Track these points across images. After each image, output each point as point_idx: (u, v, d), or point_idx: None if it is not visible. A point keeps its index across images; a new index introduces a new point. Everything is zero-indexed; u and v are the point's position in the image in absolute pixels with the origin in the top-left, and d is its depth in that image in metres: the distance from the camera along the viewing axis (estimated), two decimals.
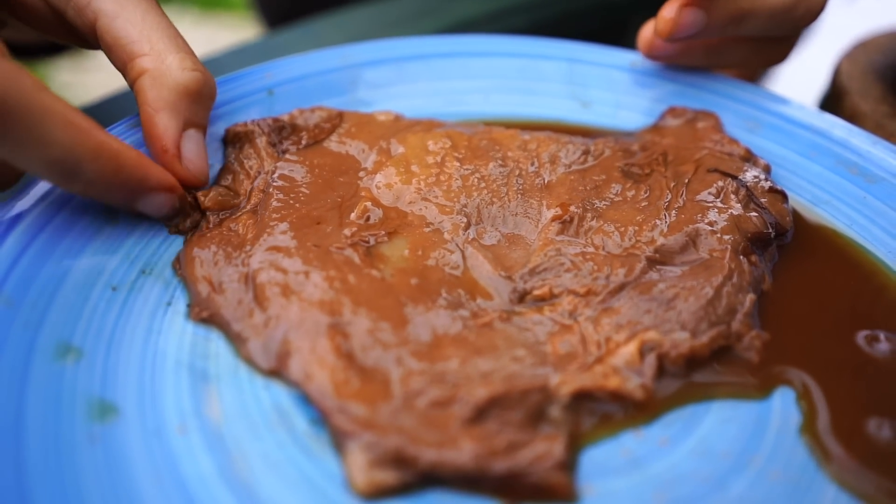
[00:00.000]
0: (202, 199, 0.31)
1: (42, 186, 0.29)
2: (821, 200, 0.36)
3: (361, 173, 0.34)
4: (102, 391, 0.23)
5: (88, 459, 0.21)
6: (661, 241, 0.30)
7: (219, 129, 0.36)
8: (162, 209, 0.29)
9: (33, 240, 0.27)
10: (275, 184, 0.32)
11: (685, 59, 0.41)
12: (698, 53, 0.41)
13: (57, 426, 0.22)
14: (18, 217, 0.27)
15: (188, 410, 0.23)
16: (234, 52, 0.54)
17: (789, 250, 0.33)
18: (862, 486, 0.22)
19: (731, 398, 0.25)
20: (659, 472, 0.22)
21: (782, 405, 0.25)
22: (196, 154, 0.30)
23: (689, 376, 0.26)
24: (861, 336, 0.27)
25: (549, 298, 0.28)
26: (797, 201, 0.35)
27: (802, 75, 0.52)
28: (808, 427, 0.24)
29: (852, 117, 0.44)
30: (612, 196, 0.33)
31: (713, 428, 0.24)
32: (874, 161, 0.36)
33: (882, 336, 0.27)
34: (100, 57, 0.32)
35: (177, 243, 0.30)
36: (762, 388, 0.25)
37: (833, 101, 0.47)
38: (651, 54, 0.41)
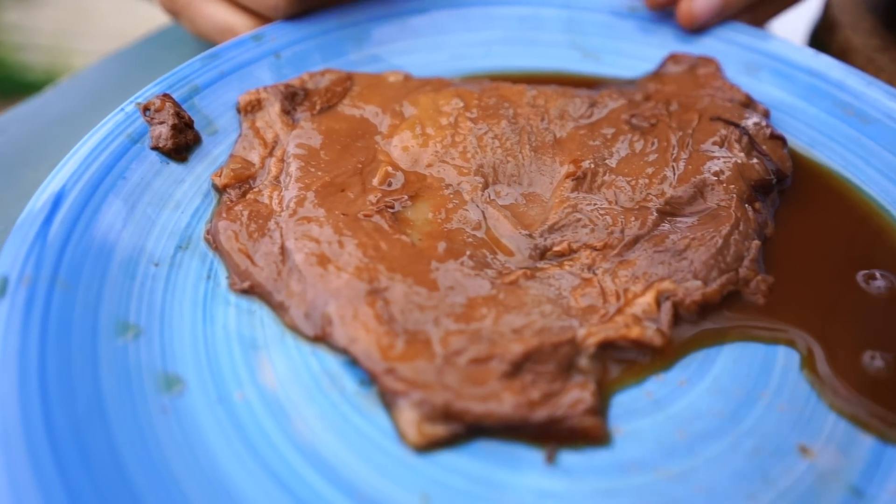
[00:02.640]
0: (216, 179, 0.32)
1: (71, 168, 0.29)
2: (818, 143, 0.37)
3: (378, 137, 0.35)
4: (164, 365, 0.25)
5: (165, 429, 0.23)
6: (670, 192, 0.32)
7: (231, 96, 0.36)
8: None
9: (75, 223, 0.28)
10: (294, 152, 0.33)
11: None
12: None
13: (132, 401, 0.23)
14: (57, 201, 0.28)
15: (245, 379, 0.25)
16: None
17: (789, 194, 0.34)
18: (857, 413, 0.25)
19: (740, 340, 0.27)
20: (679, 410, 0.25)
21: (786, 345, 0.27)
22: None
23: (701, 322, 0.28)
24: (860, 275, 0.29)
25: (569, 254, 0.30)
26: (795, 144, 0.37)
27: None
28: (808, 363, 0.26)
29: (844, 51, 0.45)
30: (621, 149, 0.35)
31: (725, 368, 0.26)
32: (869, 102, 0.38)
33: (878, 274, 0.29)
34: None
35: (206, 217, 0.31)
36: (768, 331, 0.27)
37: (824, 33, 0.48)
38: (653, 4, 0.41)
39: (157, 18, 0.50)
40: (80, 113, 0.37)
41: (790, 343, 0.27)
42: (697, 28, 0.42)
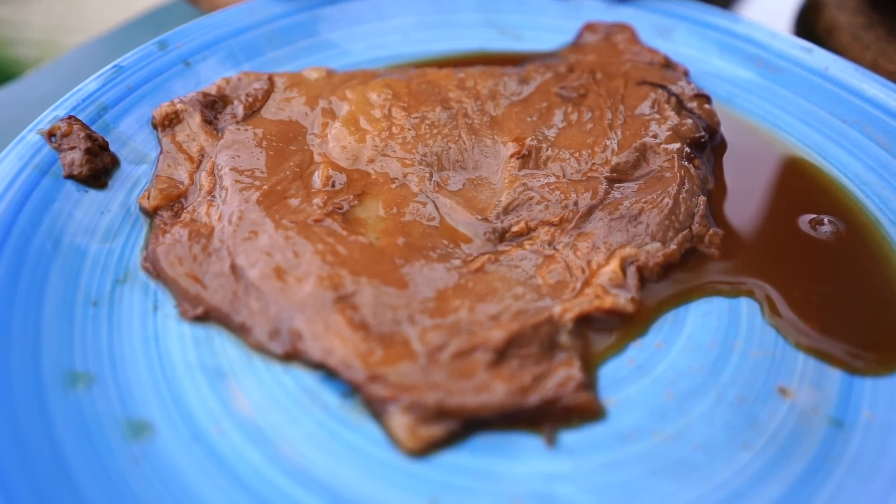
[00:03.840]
0: (144, 202, 0.30)
1: None
2: (735, 96, 0.39)
3: (311, 137, 0.33)
4: (126, 411, 0.23)
5: (141, 480, 0.21)
6: (614, 159, 0.32)
7: (144, 111, 0.34)
8: None
9: None
10: (226, 164, 0.31)
11: None
12: None
13: (98, 457, 0.21)
14: None
15: (217, 411, 0.23)
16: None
17: (718, 148, 0.36)
18: (821, 348, 0.26)
19: (704, 296, 0.28)
20: (662, 372, 0.25)
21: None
22: None
23: (664, 282, 0.28)
24: (806, 221, 0.31)
25: (527, 233, 0.30)
26: (715, 99, 0.38)
27: None
28: (770, 308, 0.28)
29: (829, 29, 0.45)
30: (558, 122, 0.35)
31: (696, 324, 0.27)
32: (775, 52, 0.39)
33: (826, 220, 0.31)
34: None
35: (141, 244, 0.29)
36: (728, 284, 0.28)
37: (810, 12, 0.48)
38: None
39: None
40: (61, 98, 0.33)
41: (749, 294, 0.28)
42: None
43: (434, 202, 0.31)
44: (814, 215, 0.31)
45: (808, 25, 0.48)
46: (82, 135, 0.30)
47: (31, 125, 0.30)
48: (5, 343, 0.23)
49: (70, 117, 0.30)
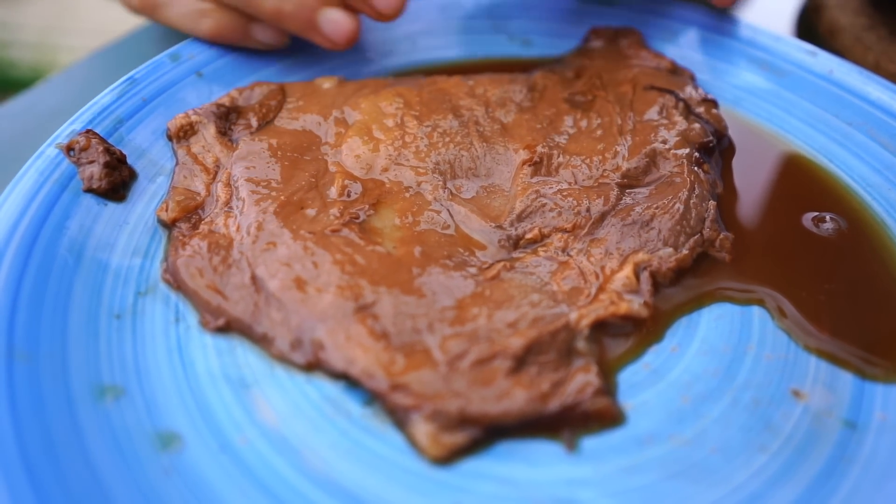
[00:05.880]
0: (163, 214, 0.30)
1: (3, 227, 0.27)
2: (741, 100, 0.39)
3: (325, 147, 0.34)
4: (154, 423, 0.23)
5: (172, 491, 0.21)
6: (625, 165, 0.32)
7: (159, 123, 0.34)
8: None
9: (19, 285, 0.25)
10: (242, 175, 0.31)
11: None
12: None
13: (130, 468, 0.22)
14: None
15: (243, 421, 0.24)
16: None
17: (727, 152, 0.36)
18: (833, 351, 0.27)
19: (716, 301, 0.28)
20: (678, 376, 0.26)
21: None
22: None
23: (677, 287, 0.29)
24: (809, 219, 0.31)
25: (541, 240, 0.30)
26: (721, 103, 0.39)
27: None
28: (780, 313, 0.28)
29: (831, 31, 0.45)
30: (568, 129, 0.35)
31: (709, 328, 0.27)
32: (780, 55, 0.40)
33: (828, 217, 0.31)
34: None
35: (160, 256, 0.29)
36: (739, 290, 0.29)
37: (812, 14, 0.48)
38: None
39: None
40: (72, 108, 0.33)
41: (760, 302, 0.28)
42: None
43: (448, 210, 0.31)
44: (816, 213, 0.32)
45: (810, 27, 0.48)
46: (100, 148, 0.30)
47: (50, 139, 0.31)
48: (35, 357, 0.23)
49: (87, 131, 0.31)
